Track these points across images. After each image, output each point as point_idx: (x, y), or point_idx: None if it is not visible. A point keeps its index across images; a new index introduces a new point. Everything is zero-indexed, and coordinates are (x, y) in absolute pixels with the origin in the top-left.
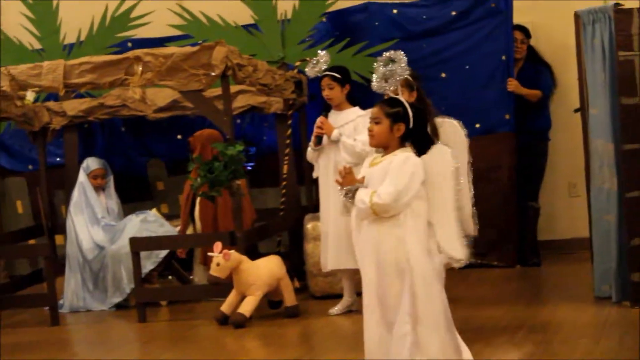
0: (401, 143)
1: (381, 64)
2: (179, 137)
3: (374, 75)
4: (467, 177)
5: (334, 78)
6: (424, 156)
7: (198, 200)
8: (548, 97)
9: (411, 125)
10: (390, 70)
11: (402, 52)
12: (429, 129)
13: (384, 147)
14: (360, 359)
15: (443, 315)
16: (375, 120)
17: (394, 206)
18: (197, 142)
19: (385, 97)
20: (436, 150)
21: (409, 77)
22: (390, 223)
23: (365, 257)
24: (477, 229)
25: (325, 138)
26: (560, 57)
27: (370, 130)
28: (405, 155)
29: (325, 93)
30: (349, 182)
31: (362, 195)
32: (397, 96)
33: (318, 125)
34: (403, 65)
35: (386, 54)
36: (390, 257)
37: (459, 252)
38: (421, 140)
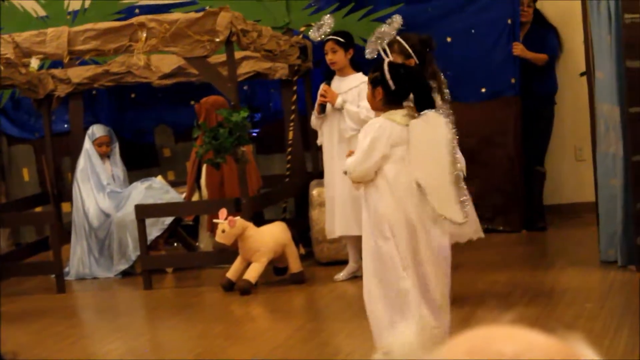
0: (389, 106)
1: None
2: (192, 102)
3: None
4: None
5: (337, 42)
6: (417, 121)
7: (204, 167)
8: (554, 60)
9: (392, 87)
10: (380, 32)
11: (399, 16)
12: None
13: (376, 110)
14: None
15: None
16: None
17: (361, 172)
18: (202, 108)
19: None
20: (432, 116)
21: (402, 41)
22: (368, 189)
23: (364, 223)
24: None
25: (329, 106)
26: (566, 20)
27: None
28: (374, 121)
29: (329, 57)
30: None
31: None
32: (390, 60)
33: (321, 93)
34: (394, 26)
35: (388, 21)
36: (367, 219)
37: (457, 215)
38: (420, 100)
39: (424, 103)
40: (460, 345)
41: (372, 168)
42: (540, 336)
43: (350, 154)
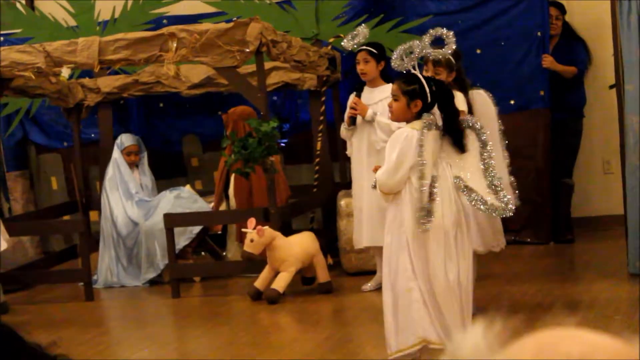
0: (418, 117)
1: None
2: (220, 113)
3: (393, 52)
4: (501, 144)
5: (370, 53)
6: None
7: (232, 176)
8: (583, 73)
9: (429, 100)
10: (409, 47)
11: (452, 33)
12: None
13: (403, 121)
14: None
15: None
16: (394, 97)
17: (390, 183)
18: (229, 118)
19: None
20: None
21: (450, 57)
22: (395, 200)
23: (385, 232)
24: (517, 197)
25: (359, 118)
26: (596, 33)
27: (389, 107)
28: (400, 132)
29: (360, 67)
30: None
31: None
32: (414, 72)
33: (351, 105)
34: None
35: (432, 31)
36: (395, 232)
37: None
38: (448, 117)
39: (450, 119)
40: (528, 345)
41: (402, 180)
42: (606, 338)
43: (377, 169)
